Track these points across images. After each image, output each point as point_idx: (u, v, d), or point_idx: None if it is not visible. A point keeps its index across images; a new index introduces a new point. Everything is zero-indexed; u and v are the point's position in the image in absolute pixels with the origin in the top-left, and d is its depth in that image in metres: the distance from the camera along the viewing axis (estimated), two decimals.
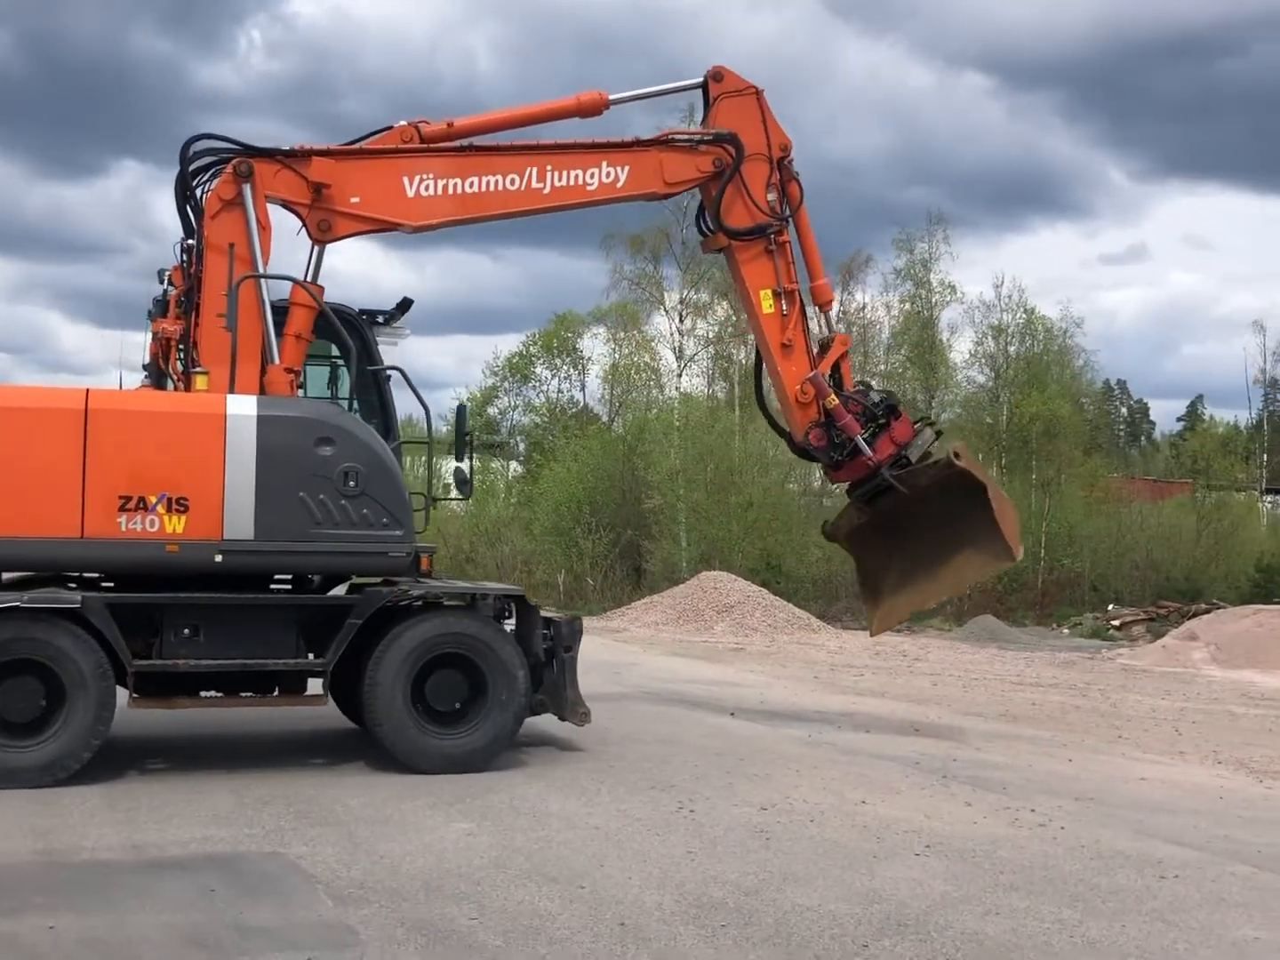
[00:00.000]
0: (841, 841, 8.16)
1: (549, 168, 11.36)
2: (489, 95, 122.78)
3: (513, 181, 11.25)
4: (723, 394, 42.10)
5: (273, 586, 10.44)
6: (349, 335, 10.70)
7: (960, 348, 42.69)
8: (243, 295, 10.04)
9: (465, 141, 11.36)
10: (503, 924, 6.33)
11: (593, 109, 11.98)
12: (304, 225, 10.80)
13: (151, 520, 9.34)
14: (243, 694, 10.10)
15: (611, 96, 12.00)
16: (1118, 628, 28.68)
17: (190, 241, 10.50)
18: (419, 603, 10.20)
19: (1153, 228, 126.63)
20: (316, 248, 10.87)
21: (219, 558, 9.49)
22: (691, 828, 8.39)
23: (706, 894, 6.91)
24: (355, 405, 11.10)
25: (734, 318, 40.51)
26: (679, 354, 39.09)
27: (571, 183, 11.48)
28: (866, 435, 11.98)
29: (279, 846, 7.72)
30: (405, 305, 11.82)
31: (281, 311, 10.50)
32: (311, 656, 10.03)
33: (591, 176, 11.54)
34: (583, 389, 48.81)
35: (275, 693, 10.13)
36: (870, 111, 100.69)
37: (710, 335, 41.04)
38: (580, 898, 6.78)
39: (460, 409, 12.39)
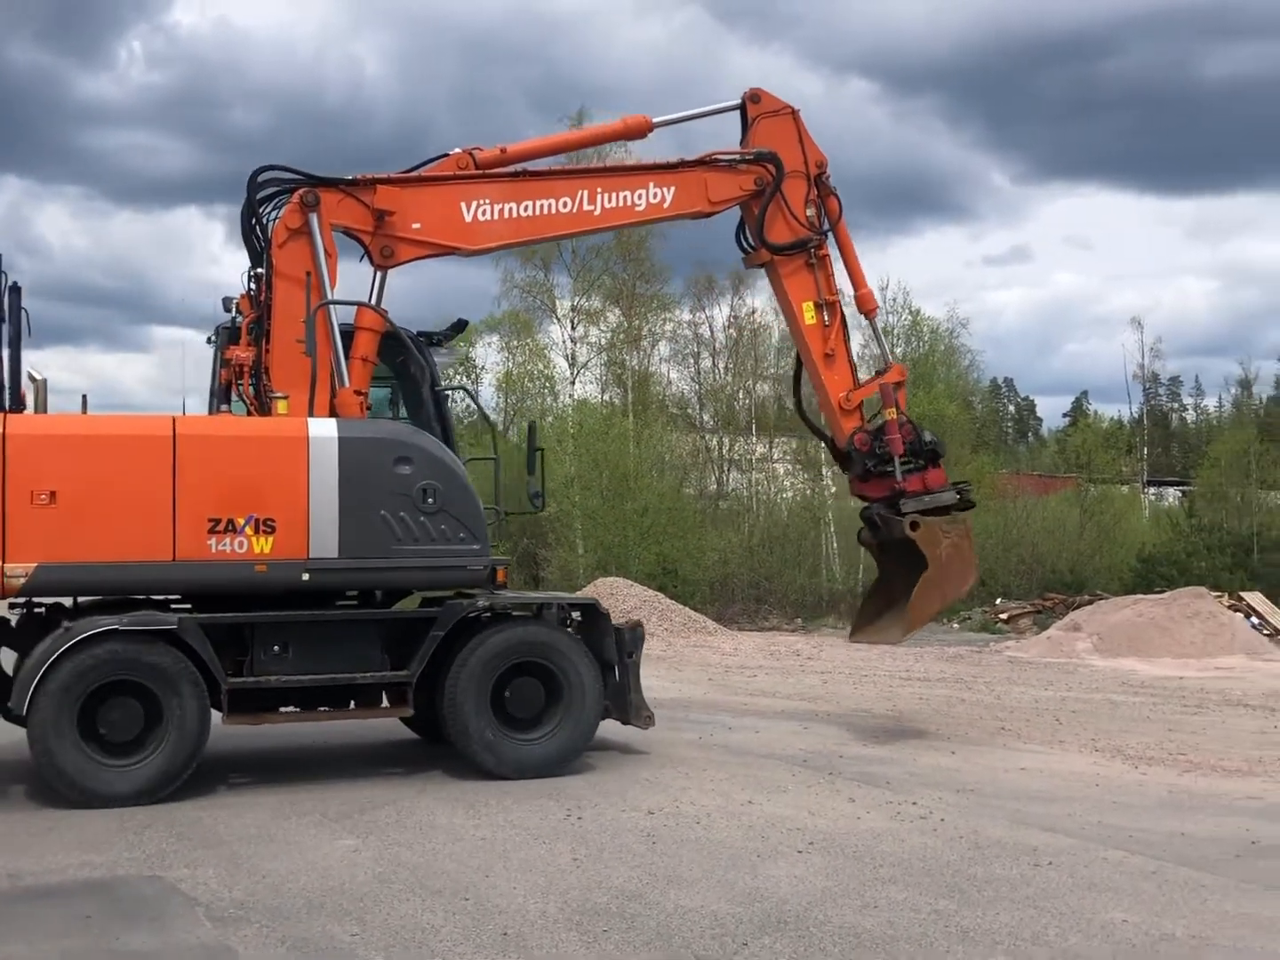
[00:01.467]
0: (726, 842, 8.25)
1: (599, 190, 11.74)
2: (377, 103, 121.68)
3: (565, 204, 11.62)
4: (617, 400, 42.22)
5: (338, 603, 10.65)
6: (414, 356, 11.09)
7: None
8: (316, 321, 10.32)
9: (519, 167, 11.74)
10: (384, 939, 6.32)
11: (638, 132, 12.42)
12: (366, 252, 11.08)
13: (240, 541, 9.64)
14: (320, 708, 10.44)
15: (655, 120, 12.42)
16: (1005, 621, 29.21)
17: (258, 270, 10.78)
18: (487, 614, 10.54)
19: (1035, 229, 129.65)
20: (379, 273, 11.13)
21: (306, 576, 9.82)
22: (578, 835, 8.43)
23: (590, 900, 6.95)
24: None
25: (625, 324, 40.72)
26: (572, 361, 39.16)
27: (621, 204, 11.86)
28: (906, 467, 12.27)
29: (159, 870, 7.62)
30: (460, 326, 12.53)
31: (347, 335, 10.77)
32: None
33: (639, 197, 11.91)
34: (476, 397, 48.63)
35: (351, 706, 10.48)
36: None
37: (603, 342, 41.15)
38: (464, 909, 6.78)
39: (531, 426, 12.93)
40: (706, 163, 12.17)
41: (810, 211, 12.38)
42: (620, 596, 27.08)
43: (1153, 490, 61.16)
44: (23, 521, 9.22)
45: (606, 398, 42.70)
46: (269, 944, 6.24)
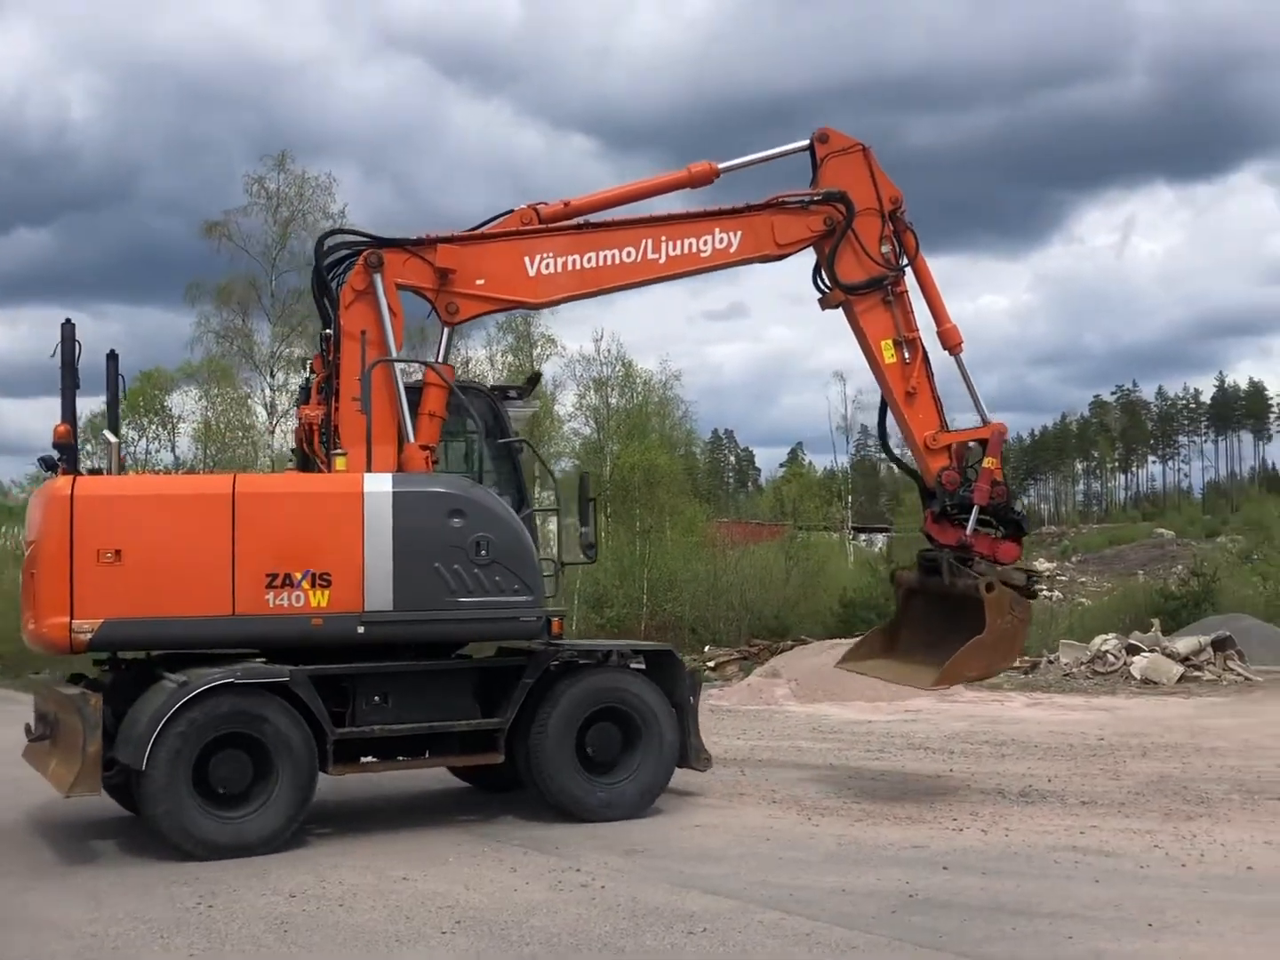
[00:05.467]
0: (366, 926, 7.65)
1: (663, 238, 11.72)
2: (83, 145, 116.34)
3: (629, 254, 11.64)
4: None
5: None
6: (483, 410, 11.38)
7: (565, 400, 43.30)
8: (376, 378, 10.52)
9: (581, 219, 11.72)
10: None
11: (704, 179, 12.26)
12: (433, 309, 11.28)
13: (297, 596, 9.84)
14: (399, 758, 10.73)
15: (720, 165, 12.27)
16: (713, 668, 29.34)
17: (328, 331, 10.99)
18: (556, 663, 10.90)
19: (752, 286, 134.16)
20: (445, 329, 11.37)
21: (361, 629, 10.00)
22: (204, 926, 7.68)
23: None
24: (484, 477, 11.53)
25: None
26: (271, 410, 37.67)
27: (686, 251, 11.81)
28: (982, 524, 11.98)
29: None
30: (535, 379, 13.00)
31: (417, 391, 10.96)
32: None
33: (705, 244, 11.84)
34: (173, 449, 46.21)
35: (426, 755, 10.84)
36: (482, 170, 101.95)
37: None
38: None
39: (583, 477, 13.02)
40: (774, 205, 12.03)
41: (886, 248, 12.18)
42: None
43: (864, 536, 63.49)
44: (90, 579, 9.48)
45: None
46: None
